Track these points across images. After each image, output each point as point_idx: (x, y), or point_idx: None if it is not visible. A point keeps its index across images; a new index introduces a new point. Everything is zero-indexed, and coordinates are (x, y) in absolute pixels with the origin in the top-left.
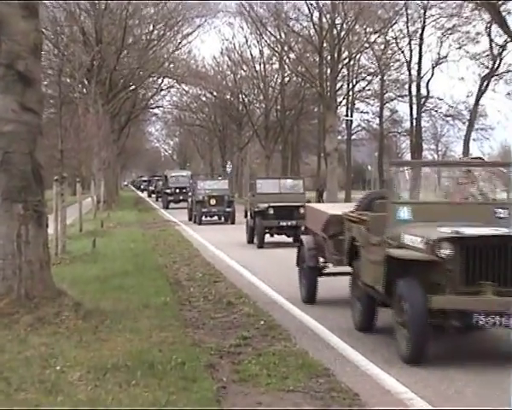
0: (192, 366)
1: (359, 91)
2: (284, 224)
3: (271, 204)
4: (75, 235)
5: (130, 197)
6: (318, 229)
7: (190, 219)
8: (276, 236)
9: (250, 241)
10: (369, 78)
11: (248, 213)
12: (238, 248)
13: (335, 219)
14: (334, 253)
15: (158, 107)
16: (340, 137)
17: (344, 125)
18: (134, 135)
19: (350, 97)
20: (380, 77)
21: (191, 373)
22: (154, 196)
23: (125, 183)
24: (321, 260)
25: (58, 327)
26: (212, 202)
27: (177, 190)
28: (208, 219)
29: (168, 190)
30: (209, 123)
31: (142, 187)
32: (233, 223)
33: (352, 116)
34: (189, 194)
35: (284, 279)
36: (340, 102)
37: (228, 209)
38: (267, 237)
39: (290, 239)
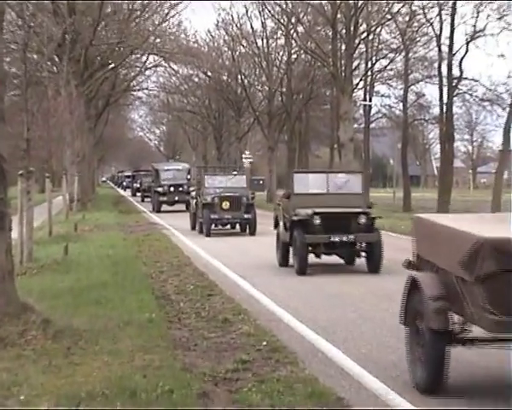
0: (182, 395)
1: (379, 71)
2: (337, 239)
3: (317, 210)
4: (44, 240)
5: (110, 196)
6: (452, 263)
7: (194, 228)
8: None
9: (284, 263)
10: (391, 55)
11: (281, 224)
12: (265, 273)
13: (493, 247)
14: (489, 308)
15: (142, 89)
16: (356, 126)
17: (361, 112)
18: (114, 122)
19: (368, 79)
20: (404, 54)
21: (181, 403)
22: (139, 194)
23: (104, 179)
24: (455, 317)
25: (23, 349)
26: (226, 205)
27: (172, 189)
28: (218, 227)
29: (160, 189)
30: (202, 108)
31: (124, 184)
32: (253, 234)
33: (370, 101)
34: (192, 194)
35: (288, 291)
36: (357, 85)
37: (247, 216)
38: (311, 258)
39: (342, 261)
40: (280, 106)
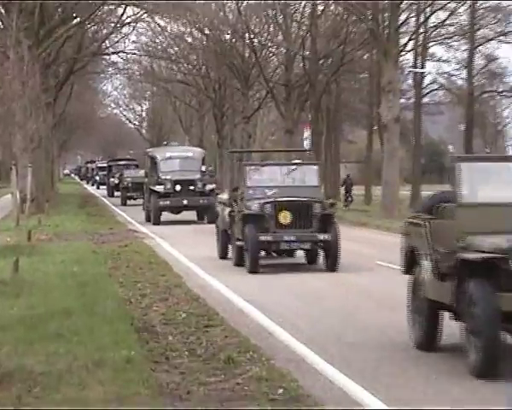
0: None
1: (435, 27)
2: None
3: None
4: None
5: (75, 194)
6: None
7: (224, 256)
8: None
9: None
10: (451, 5)
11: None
12: (280, 296)
13: None
14: None
15: (117, 52)
16: (403, 101)
17: (410, 82)
18: (80, 96)
19: (420, 37)
20: (470, 3)
21: None
22: (118, 194)
23: (67, 171)
24: None
25: None
26: (285, 217)
27: (178, 187)
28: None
29: (159, 188)
30: (198, 78)
31: (97, 179)
32: (333, 269)
33: (423, 67)
34: (221, 197)
35: (313, 321)
36: (405, 46)
37: (322, 236)
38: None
39: None
40: (301, 75)
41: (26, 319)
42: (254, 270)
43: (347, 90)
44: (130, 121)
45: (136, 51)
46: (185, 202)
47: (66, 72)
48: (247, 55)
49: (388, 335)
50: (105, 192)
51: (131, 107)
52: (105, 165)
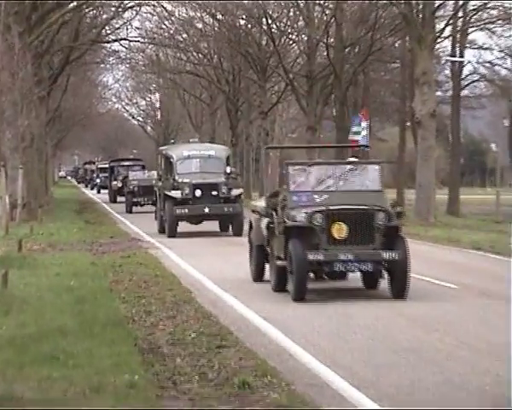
0: None
1: (476, 11)
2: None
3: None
4: None
5: (71, 199)
6: None
7: (260, 277)
8: None
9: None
10: None
11: None
12: (301, 312)
13: None
14: None
15: (119, 40)
16: (440, 94)
17: (448, 73)
18: (77, 89)
19: (459, 22)
20: None
21: None
22: (122, 200)
23: (62, 173)
24: None
25: None
26: (340, 231)
27: (199, 192)
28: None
29: (175, 193)
30: (209, 69)
31: (97, 182)
32: (402, 293)
33: (462, 56)
34: (257, 205)
35: (337, 340)
36: (442, 32)
37: (388, 254)
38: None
39: None
40: (325, 65)
41: (17, 340)
42: (301, 297)
43: (377, 81)
44: (133, 117)
45: (139, 39)
46: (207, 209)
47: (62, 62)
48: (264, 42)
49: (422, 356)
50: (107, 197)
51: (135, 101)
52: (105, 165)
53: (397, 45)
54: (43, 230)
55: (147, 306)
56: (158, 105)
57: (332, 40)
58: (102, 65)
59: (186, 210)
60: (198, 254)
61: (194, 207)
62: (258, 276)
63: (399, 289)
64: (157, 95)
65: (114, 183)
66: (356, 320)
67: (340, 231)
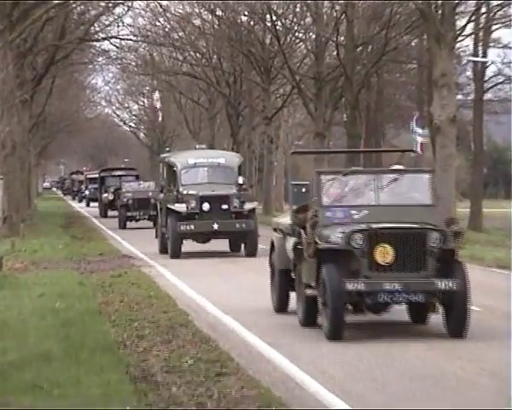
0: None
1: (500, 6)
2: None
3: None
4: None
5: (57, 213)
6: None
7: (283, 308)
8: None
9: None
10: None
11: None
12: (308, 336)
13: None
14: None
15: (109, 38)
16: (460, 98)
17: (470, 74)
18: (63, 92)
19: (482, 18)
20: None
21: None
22: (114, 213)
23: (47, 184)
24: None
25: None
26: (385, 254)
27: (207, 206)
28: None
29: (180, 207)
30: (208, 70)
31: (86, 194)
32: (461, 330)
33: (485, 56)
34: (278, 224)
35: (350, 367)
36: (463, 29)
37: (443, 283)
38: None
39: None
40: (335, 65)
41: None
42: (337, 334)
43: (391, 84)
44: (124, 123)
45: (131, 37)
46: (216, 226)
47: (46, 62)
48: (268, 41)
49: (442, 384)
50: (97, 211)
51: (126, 105)
52: (95, 175)
53: (413, 44)
54: (26, 246)
55: (139, 329)
56: (158, 105)
57: (342, 39)
58: (91, 66)
59: (192, 226)
60: (196, 274)
61: (201, 224)
62: (282, 306)
63: (458, 326)
64: (157, 93)
65: (105, 195)
66: (371, 350)
67: (384, 254)
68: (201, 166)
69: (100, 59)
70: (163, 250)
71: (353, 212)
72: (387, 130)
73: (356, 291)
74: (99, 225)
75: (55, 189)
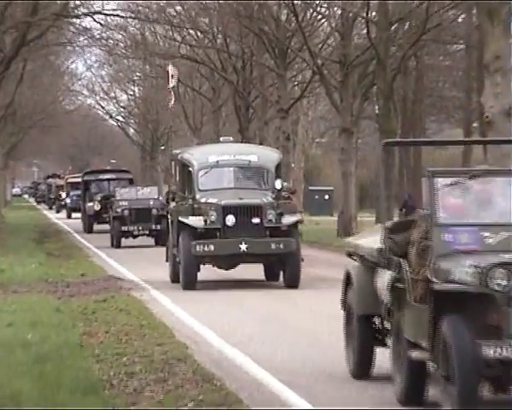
0: None
1: None
2: None
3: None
4: None
5: (29, 224)
6: None
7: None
8: None
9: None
10: None
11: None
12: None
13: None
14: None
15: (92, 14)
16: None
17: None
18: (36, 79)
19: None
20: None
21: None
22: (101, 227)
23: (17, 190)
24: None
25: None
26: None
27: (231, 220)
28: None
29: (196, 220)
30: (212, 53)
31: (66, 203)
32: None
33: None
34: (359, 249)
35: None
36: None
37: None
38: None
39: None
40: (364, 47)
41: None
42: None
43: (433, 69)
44: (110, 116)
45: (119, 12)
46: (244, 246)
47: (16, 43)
48: (284, 17)
49: None
50: (80, 224)
51: (113, 95)
52: (78, 179)
53: (460, 20)
54: None
55: (129, 366)
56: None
57: (374, 14)
58: (70, 47)
59: (212, 247)
60: (199, 299)
61: (224, 243)
62: (363, 369)
63: None
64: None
65: (90, 204)
66: None
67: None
68: (226, 166)
69: (81, 39)
70: (175, 278)
71: (486, 234)
72: (428, 124)
73: (498, 360)
74: (81, 241)
75: (26, 196)
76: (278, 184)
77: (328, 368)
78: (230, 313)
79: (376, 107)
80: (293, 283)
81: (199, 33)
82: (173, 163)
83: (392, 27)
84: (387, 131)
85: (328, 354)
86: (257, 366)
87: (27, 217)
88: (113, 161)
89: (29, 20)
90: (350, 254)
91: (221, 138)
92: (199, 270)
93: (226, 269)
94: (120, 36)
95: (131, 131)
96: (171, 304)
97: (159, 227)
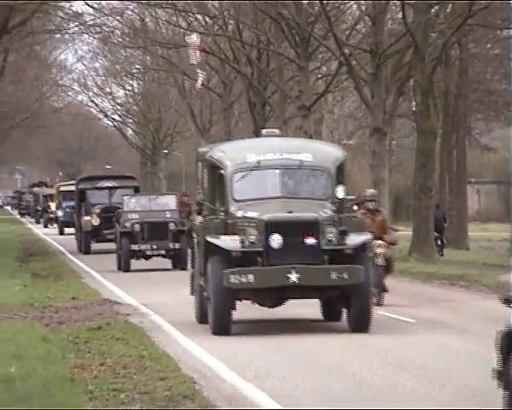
0: None
1: None
2: None
3: None
4: None
5: (11, 241)
6: None
7: None
8: None
9: None
10: None
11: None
12: None
13: None
14: None
15: None
16: None
17: None
18: (20, 72)
19: None
20: None
21: None
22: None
23: None
24: None
25: None
26: None
27: (277, 241)
28: None
29: (229, 242)
30: (223, 41)
31: (58, 215)
32: None
33: None
34: None
35: None
36: None
37: None
38: None
39: None
40: (399, 34)
41: None
42: None
43: (480, 58)
44: (105, 115)
45: None
46: (294, 277)
47: None
48: (305, 1)
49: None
50: (74, 242)
51: (108, 90)
52: (71, 187)
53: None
54: None
55: (127, 404)
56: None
57: None
58: (58, 35)
59: (251, 277)
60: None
61: (267, 273)
62: None
63: None
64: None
65: (86, 218)
66: None
67: None
68: (270, 168)
69: (71, 26)
70: (203, 319)
71: None
72: (474, 123)
73: None
74: (59, 248)
75: (8, 207)
76: (340, 191)
77: None
78: (240, 343)
79: (413, 103)
80: (360, 326)
81: (207, 19)
82: (200, 165)
83: (432, 10)
84: (426, 132)
85: None
86: (273, 401)
87: (9, 232)
88: (108, 166)
89: (10, 2)
90: (508, 302)
91: (263, 131)
92: (234, 308)
93: (270, 307)
94: (116, 22)
95: (130, 132)
96: (177, 332)
97: (177, 246)
